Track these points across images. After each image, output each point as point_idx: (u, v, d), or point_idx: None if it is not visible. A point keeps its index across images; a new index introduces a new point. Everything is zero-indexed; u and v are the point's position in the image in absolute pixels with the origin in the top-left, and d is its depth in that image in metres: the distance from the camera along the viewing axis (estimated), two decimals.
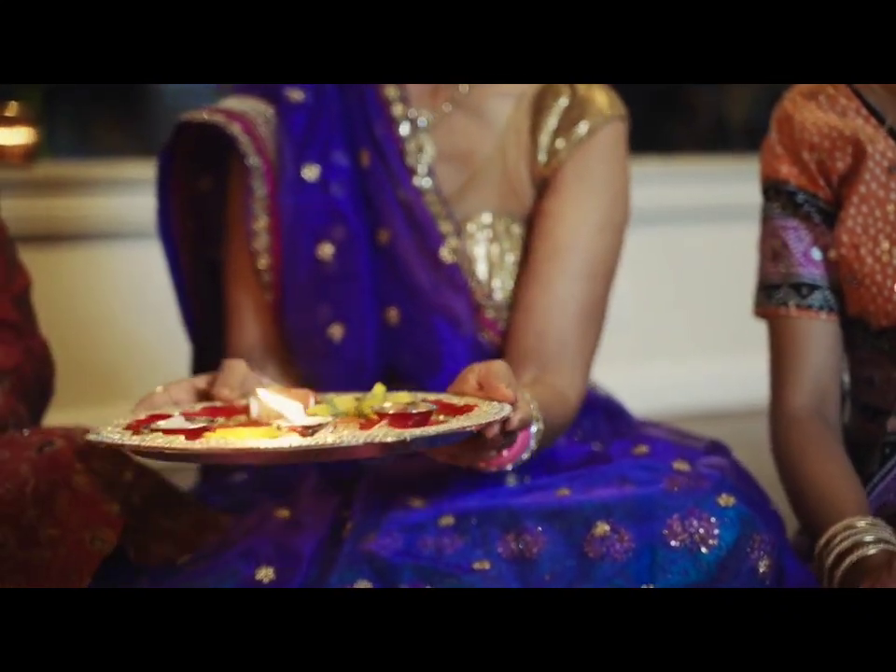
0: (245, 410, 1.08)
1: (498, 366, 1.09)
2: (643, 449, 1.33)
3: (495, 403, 1.05)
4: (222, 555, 1.20)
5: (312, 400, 1.09)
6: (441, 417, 1.04)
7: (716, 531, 1.14)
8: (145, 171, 2.37)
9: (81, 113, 3.07)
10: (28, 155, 2.40)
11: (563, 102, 1.40)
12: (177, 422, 1.03)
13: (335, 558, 1.21)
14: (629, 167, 1.43)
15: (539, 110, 1.40)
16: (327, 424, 1.00)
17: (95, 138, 3.17)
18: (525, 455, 1.21)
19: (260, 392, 1.05)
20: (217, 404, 1.13)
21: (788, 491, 1.30)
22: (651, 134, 3.24)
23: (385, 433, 0.97)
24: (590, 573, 1.15)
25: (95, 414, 2.23)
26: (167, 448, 0.97)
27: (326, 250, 1.38)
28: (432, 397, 1.09)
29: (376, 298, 1.39)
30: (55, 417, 1.43)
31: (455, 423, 1.01)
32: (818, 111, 1.30)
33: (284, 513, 1.28)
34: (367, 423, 1.03)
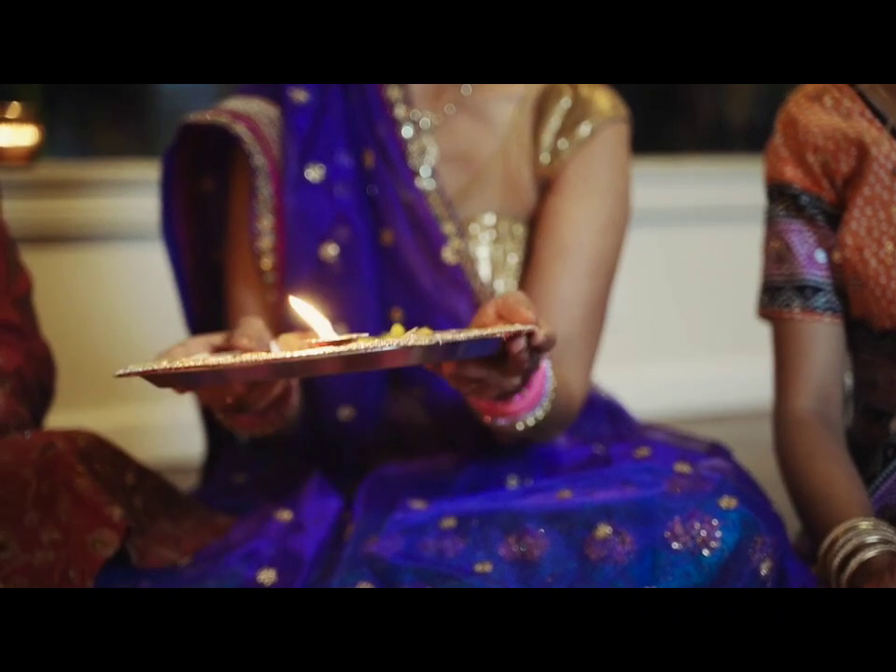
0: None
1: (516, 294, 1.08)
2: (644, 451, 1.32)
3: (518, 325, 1.05)
4: (224, 558, 1.20)
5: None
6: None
7: (718, 533, 1.13)
8: (145, 172, 2.38)
9: (81, 114, 3.07)
10: (30, 156, 2.39)
11: (565, 103, 1.40)
12: (201, 359, 1.01)
13: (337, 560, 1.21)
14: (631, 168, 1.43)
15: (541, 111, 1.40)
16: (356, 338, 0.98)
17: (95, 139, 3.17)
18: (539, 414, 1.20)
19: (292, 300, 1.05)
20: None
21: (791, 492, 1.30)
22: (652, 135, 3.24)
23: (416, 338, 0.95)
24: (592, 575, 1.15)
25: (95, 415, 2.24)
26: (201, 367, 0.95)
27: (329, 251, 1.38)
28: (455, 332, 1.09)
29: (380, 298, 1.39)
30: (55, 418, 1.42)
31: (484, 331, 1.00)
32: (822, 113, 1.30)
33: (285, 515, 1.28)
34: None
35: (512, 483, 1.35)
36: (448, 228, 1.38)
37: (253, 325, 1.12)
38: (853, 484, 1.24)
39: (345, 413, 1.40)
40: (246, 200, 1.41)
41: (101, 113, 3.10)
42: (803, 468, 1.28)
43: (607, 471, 1.27)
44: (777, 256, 1.34)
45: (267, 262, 1.40)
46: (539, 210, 1.39)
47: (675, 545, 1.14)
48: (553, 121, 1.40)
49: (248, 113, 1.42)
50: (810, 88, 1.32)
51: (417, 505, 1.29)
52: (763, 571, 1.13)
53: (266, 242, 1.40)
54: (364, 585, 1.16)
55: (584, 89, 1.41)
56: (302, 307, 1.05)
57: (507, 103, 1.42)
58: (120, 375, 1.00)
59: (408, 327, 1.38)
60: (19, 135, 2.39)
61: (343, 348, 0.94)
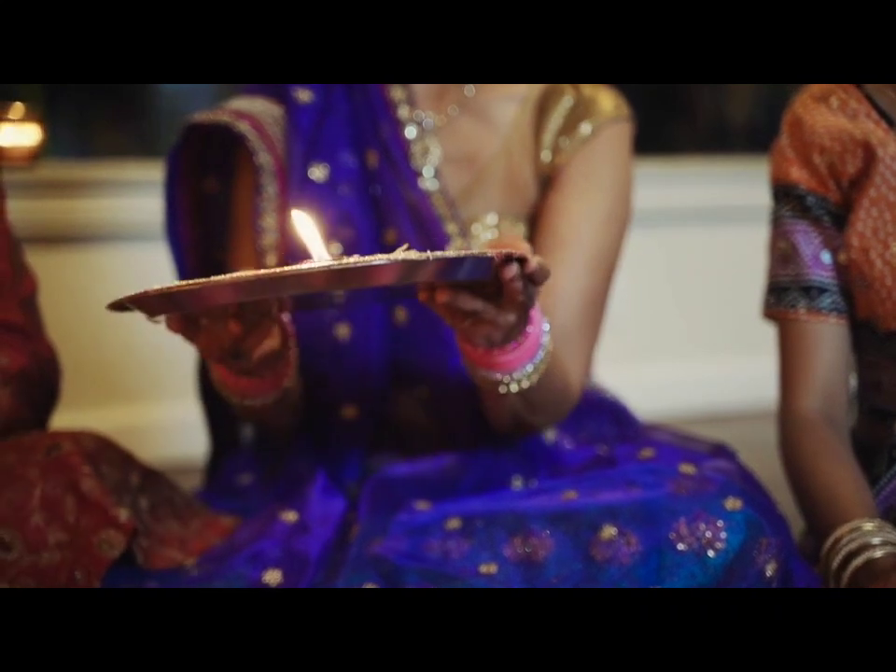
0: None
1: (511, 235, 1.08)
2: (649, 452, 1.33)
3: (510, 249, 1.03)
4: (229, 559, 1.20)
5: None
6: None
7: (723, 535, 1.13)
8: (147, 172, 2.38)
9: (82, 114, 3.07)
10: (32, 156, 2.39)
11: (567, 102, 1.40)
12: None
13: (342, 561, 1.21)
14: (633, 168, 1.44)
15: (542, 111, 1.41)
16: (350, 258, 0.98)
17: (96, 139, 3.17)
18: (532, 373, 1.17)
19: (295, 214, 1.04)
20: None
21: (795, 492, 1.30)
22: (652, 135, 3.24)
23: (407, 254, 0.95)
24: (597, 577, 1.15)
25: (97, 415, 2.24)
26: (194, 284, 0.94)
27: (333, 250, 1.38)
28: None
29: (383, 298, 1.39)
30: (57, 418, 1.42)
31: (476, 251, 0.99)
32: (828, 114, 1.30)
33: (290, 516, 1.28)
34: None
35: (517, 483, 1.35)
36: (451, 228, 1.38)
37: None
38: (858, 485, 1.24)
39: (349, 411, 1.41)
40: (250, 198, 1.41)
41: (101, 113, 3.10)
42: (808, 468, 1.28)
43: (611, 472, 1.27)
44: (782, 256, 1.34)
45: (270, 260, 1.40)
46: (540, 207, 1.40)
47: (680, 546, 1.14)
48: (555, 120, 1.40)
49: (252, 112, 1.42)
50: (816, 89, 1.32)
51: (422, 506, 1.29)
52: (769, 572, 1.14)
53: (269, 239, 1.40)
54: (369, 586, 1.16)
55: (587, 88, 1.41)
56: (303, 222, 1.04)
57: (509, 103, 1.42)
58: (112, 305, 0.99)
59: (414, 326, 1.40)
60: (21, 136, 2.39)
61: (332, 262, 0.93)
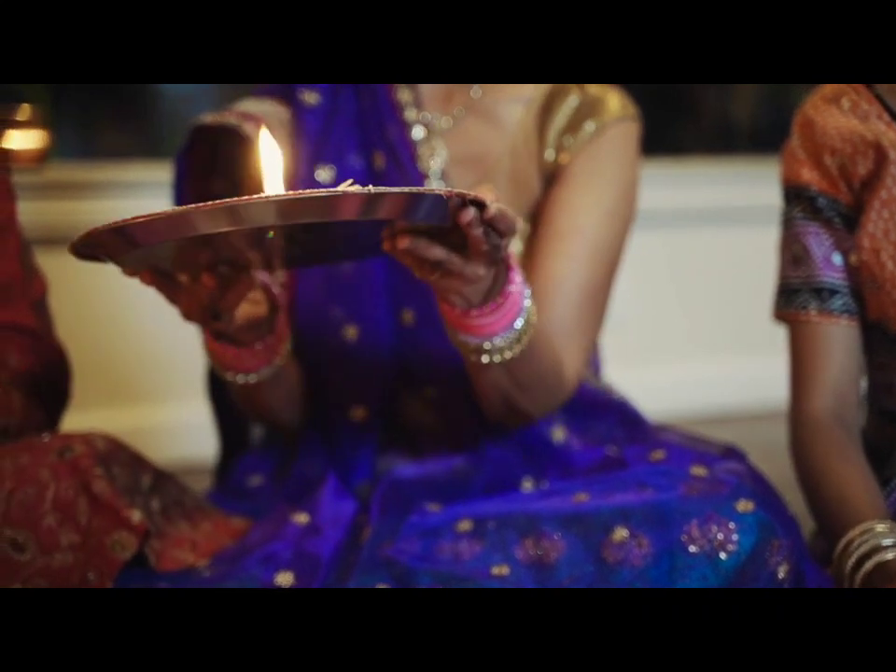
0: None
1: (479, 187, 1.07)
2: (659, 454, 1.32)
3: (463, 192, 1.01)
4: (241, 560, 1.20)
5: None
6: None
7: (735, 536, 1.13)
8: (152, 173, 2.38)
9: (87, 115, 3.07)
10: (39, 158, 2.40)
11: (573, 102, 1.40)
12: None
13: (353, 563, 1.21)
14: (639, 167, 1.44)
15: (547, 111, 1.41)
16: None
17: (100, 140, 3.17)
18: (514, 343, 1.17)
19: (263, 136, 1.04)
20: None
21: (806, 493, 1.30)
22: (657, 136, 3.24)
23: (349, 188, 0.94)
24: (609, 578, 1.15)
25: (106, 417, 2.24)
26: (142, 218, 0.93)
27: None
28: None
29: (391, 299, 1.39)
30: (66, 420, 1.42)
31: (422, 188, 0.98)
32: (839, 116, 1.30)
33: (301, 518, 1.28)
34: None
35: (527, 485, 1.36)
36: None
37: None
38: (869, 487, 1.24)
39: (358, 413, 1.41)
40: None
41: (106, 114, 3.10)
42: (819, 469, 1.28)
43: (623, 474, 1.26)
44: (793, 258, 1.34)
45: (276, 261, 1.40)
46: (542, 202, 1.40)
47: (692, 548, 1.14)
48: (559, 119, 1.40)
49: (259, 114, 1.42)
50: (828, 90, 1.32)
51: (433, 508, 1.29)
52: (781, 574, 1.14)
53: None
54: (381, 588, 1.16)
55: (594, 88, 1.41)
56: (269, 150, 1.03)
57: (515, 104, 1.42)
58: (74, 252, 0.99)
59: (422, 327, 1.40)
60: (28, 138, 2.39)
61: (274, 194, 0.92)
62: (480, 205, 1.00)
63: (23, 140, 2.39)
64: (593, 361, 1.52)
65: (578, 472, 1.35)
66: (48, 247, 2.29)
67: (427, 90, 1.42)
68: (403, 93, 1.41)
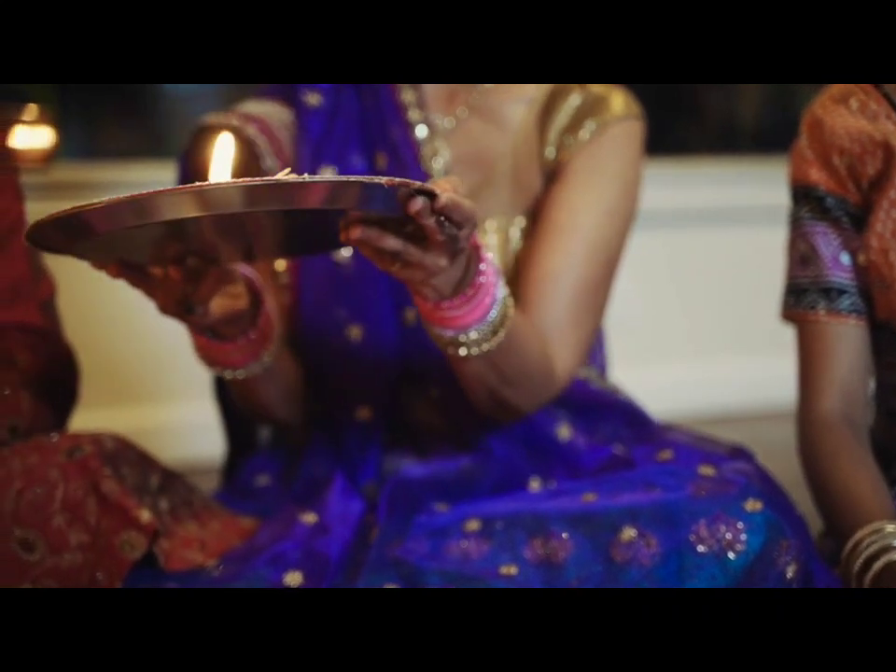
0: None
1: (452, 177, 1.06)
2: (667, 454, 1.32)
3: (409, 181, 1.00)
4: (250, 560, 1.20)
5: None
6: None
7: (743, 536, 1.13)
8: (155, 173, 2.38)
9: (91, 115, 3.07)
10: (46, 158, 2.40)
11: (574, 101, 1.40)
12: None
13: (362, 563, 1.21)
14: (642, 166, 1.43)
15: (548, 110, 1.41)
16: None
17: (104, 140, 3.17)
18: (485, 328, 1.16)
19: (224, 135, 1.04)
20: None
21: (815, 493, 1.30)
22: (661, 136, 3.24)
23: (287, 178, 0.93)
24: (617, 578, 1.15)
25: (112, 416, 2.24)
26: (83, 207, 0.92)
27: (343, 252, 1.38)
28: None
29: (394, 299, 1.39)
30: (73, 419, 1.42)
31: (362, 177, 0.96)
32: (848, 116, 1.30)
33: (310, 518, 1.28)
34: None
35: (534, 484, 1.36)
36: None
37: None
38: (878, 487, 1.24)
39: (363, 412, 1.41)
40: None
41: (110, 114, 3.10)
42: (827, 469, 1.28)
43: (630, 474, 1.26)
44: (801, 258, 1.34)
45: (281, 264, 1.41)
46: (542, 199, 1.40)
47: (700, 548, 1.14)
48: (561, 118, 1.40)
49: (261, 115, 1.42)
50: (836, 90, 1.32)
51: (440, 507, 1.29)
52: (789, 574, 1.13)
53: None
54: (390, 587, 1.16)
55: (597, 87, 1.41)
56: (223, 147, 1.04)
57: (518, 104, 1.42)
58: (29, 234, 0.98)
59: (423, 326, 1.40)
60: (34, 137, 2.39)
61: (209, 184, 0.92)
62: (431, 195, 1.00)
63: (30, 140, 2.39)
64: (598, 362, 1.52)
65: (585, 472, 1.35)
66: None
67: (431, 90, 1.43)
68: (407, 94, 1.42)
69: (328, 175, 0.93)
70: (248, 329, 1.22)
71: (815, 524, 1.32)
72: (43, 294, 1.35)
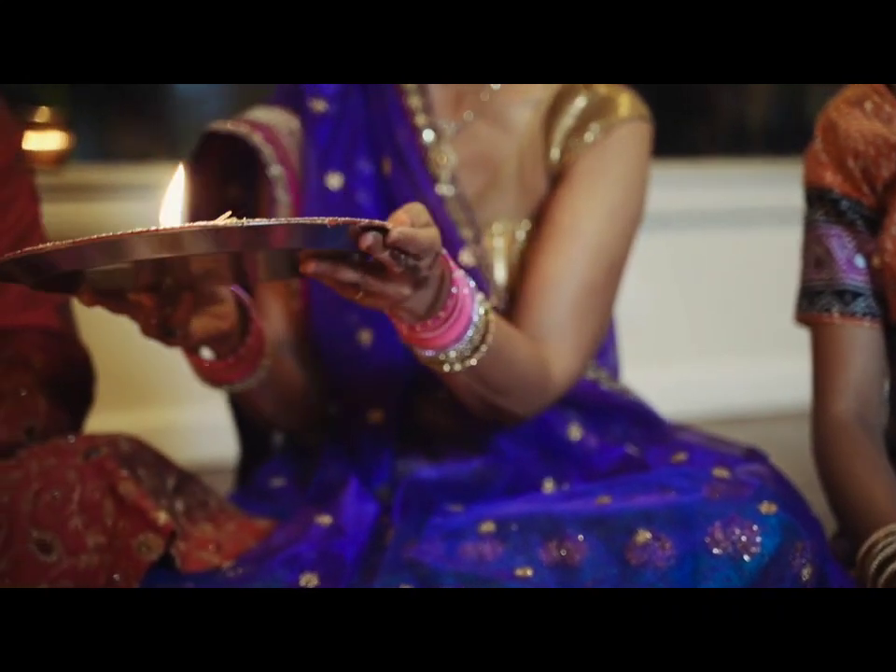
0: None
1: (414, 204, 1.05)
2: (681, 456, 1.32)
3: (357, 219, 0.99)
4: (266, 562, 1.20)
5: None
6: None
7: (758, 538, 1.13)
8: (169, 176, 2.38)
9: (103, 117, 3.08)
10: (59, 160, 2.40)
11: (580, 102, 1.40)
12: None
13: (377, 565, 1.21)
14: (649, 167, 1.43)
15: (554, 112, 1.40)
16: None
17: (117, 142, 3.18)
18: (463, 348, 1.15)
19: (179, 171, 1.05)
20: None
21: (829, 495, 1.30)
22: (671, 137, 3.24)
23: (226, 222, 0.92)
24: (632, 581, 1.15)
25: (126, 418, 2.25)
26: (59, 245, 0.92)
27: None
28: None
29: None
30: (88, 421, 1.43)
31: (302, 220, 0.95)
32: (863, 119, 1.30)
33: (325, 520, 1.28)
34: None
35: (548, 486, 1.36)
36: (466, 232, 1.38)
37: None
38: (893, 489, 1.24)
39: (375, 416, 1.41)
40: (267, 208, 1.42)
41: (122, 116, 3.11)
42: (842, 471, 1.28)
43: (645, 477, 1.26)
44: (816, 260, 1.34)
45: None
46: (546, 201, 1.39)
47: (715, 550, 1.14)
48: (566, 120, 1.40)
49: (268, 123, 1.42)
50: (850, 93, 1.32)
51: (455, 508, 1.30)
52: (804, 576, 1.13)
53: None
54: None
55: (604, 88, 1.40)
56: (176, 185, 1.04)
57: (524, 107, 1.42)
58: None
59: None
60: (47, 140, 2.40)
61: (158, 229, 0.92)
62: (383, 230, 0.98)
63: (43, 142, 2.40)
64: (610, 363, 1.52)
65: (597, 472, 1.35)
66: None
67: (437, 95, 1.42)
68: (413, 99, 1.42)
69: (280, 217, 0.92)
70: (238, 347, 1.22)
71: (828, 525, 1.32)
72: (59, 297, 1.36)
